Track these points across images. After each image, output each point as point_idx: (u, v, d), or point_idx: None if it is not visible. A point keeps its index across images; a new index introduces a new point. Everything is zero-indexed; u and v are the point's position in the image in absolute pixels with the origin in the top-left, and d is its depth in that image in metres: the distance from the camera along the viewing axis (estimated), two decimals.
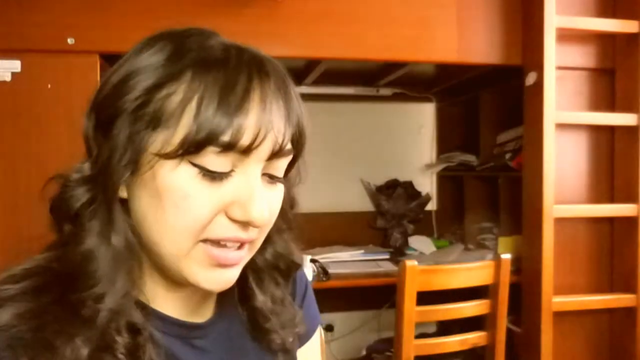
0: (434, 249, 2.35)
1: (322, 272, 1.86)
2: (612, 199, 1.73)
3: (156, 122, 0.49)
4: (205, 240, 0.51)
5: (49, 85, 1.38)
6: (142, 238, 0.53)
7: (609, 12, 1.69)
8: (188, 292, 0.58)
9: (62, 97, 1.38)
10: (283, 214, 0.60)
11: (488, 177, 2.26)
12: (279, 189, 0.55)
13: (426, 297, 1.56)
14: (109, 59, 1.47)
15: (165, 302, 0.57)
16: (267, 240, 0.61)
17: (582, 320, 1.70)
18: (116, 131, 0.50)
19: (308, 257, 1.88)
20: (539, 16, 1.58)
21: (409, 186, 2.54)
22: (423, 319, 1.58)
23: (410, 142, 2.64)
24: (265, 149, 0.50)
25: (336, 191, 2.53)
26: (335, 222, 2.45)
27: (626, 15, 1.65)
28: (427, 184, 2.64)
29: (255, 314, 0.63)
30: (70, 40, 1.39)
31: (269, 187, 0.53)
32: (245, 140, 0.48)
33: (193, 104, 0.48)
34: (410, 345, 1.54)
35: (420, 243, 2.39)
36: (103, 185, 0.50)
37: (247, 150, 0.49)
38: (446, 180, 2.64)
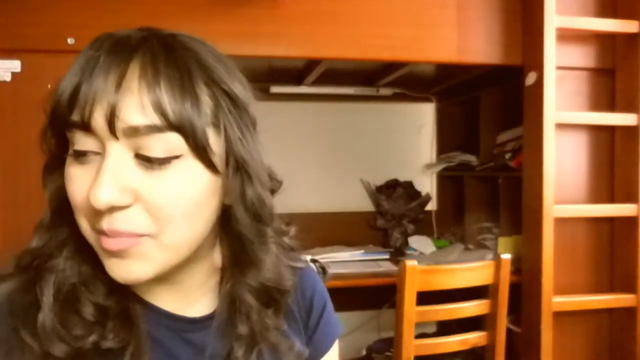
0: (434, 249, 2.35)
1: (322, 272, 1.86)
2: (612, 199, 1.72)
3: None
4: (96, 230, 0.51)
5: (49, 85, 1.38)
6: None
7: (609, 12, 1.69)
8: (178, 285, 0.58)
9: None
10: (245, 225, 0.56)
11: (488, 177, 2.26)
12: (171, 173, 0.49)
13: (426, 297, 1.56)
14: None
15: (157, 295, 0.58)
16: (248, 264, 0.58)
17: (582, 320, 1.70)
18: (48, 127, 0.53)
19: (308, 257, 1.88)
20: (539, 16, 1.58)
21: (409, 186, 2.54)
22: (423, 319, 1.58)
23: (410, 142, 2.64)
24: (99, 123, 0.47)
25: (336, 191, 2.53)
26: (335, 222, 2.45)
27: (626, 15, 1.65)
28: (427, 184, 2.65)
29: (239, 341, 0.60)
30: (70, 40, 1.39)
31: (149, 171, 0.49)
32: (74, 115, 0.48)
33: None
34: (410, 345, 1.54)
35: (420, 243, 2.39)
36: (46, 174, 0.55)
37: (83, 126, 0.48)
38: (446, 180, 2.64)
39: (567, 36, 1.65)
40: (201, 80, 0.51)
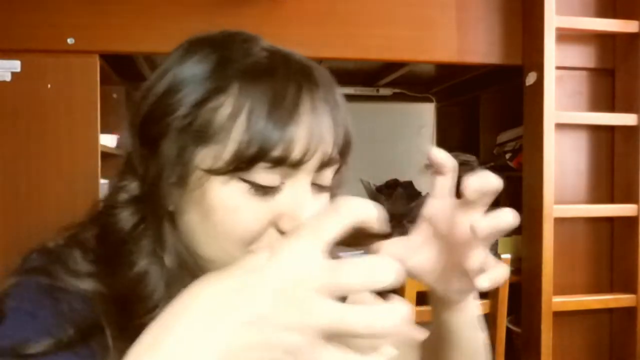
0: None
1: None
2: (612, 199, 1.72)
3: (205, 137, 0.48)
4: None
5: (49, 85, 1.38)
6: (190, 252, 0.52)
7: (609, 12, 1.69)
8: None
9: (62, 97, 1.38)
10: None
11: None
12: (325, 198, 0.54)
13: (426, 297, 1.56)
14: (109, 59, 1.46)
15: None
16: None
17: (582, 320, 1.70)
18: (164, 148, 0.49)
19: None
20: (539, 16, 1.58)
21: (409, 186, 2.54)
22: (423, 319, 1.58)
23: (410, 142, 2.64)
24: (315, 161, 0.49)
25: None
26: None
27: (626, 15, 1.65)
28: (427, 184, 2.65)
29: None
30: (70, 40, 1.39)
31: (316, 197, 0.52)
32: (296, 154, 0.47)
33: (243, 117, 0.47)
34: None
35: None
36: (152, 204, 0.50)
37: (297, 164, 0.48)
38: None
39: (567, 36, 1.65)
40: None
